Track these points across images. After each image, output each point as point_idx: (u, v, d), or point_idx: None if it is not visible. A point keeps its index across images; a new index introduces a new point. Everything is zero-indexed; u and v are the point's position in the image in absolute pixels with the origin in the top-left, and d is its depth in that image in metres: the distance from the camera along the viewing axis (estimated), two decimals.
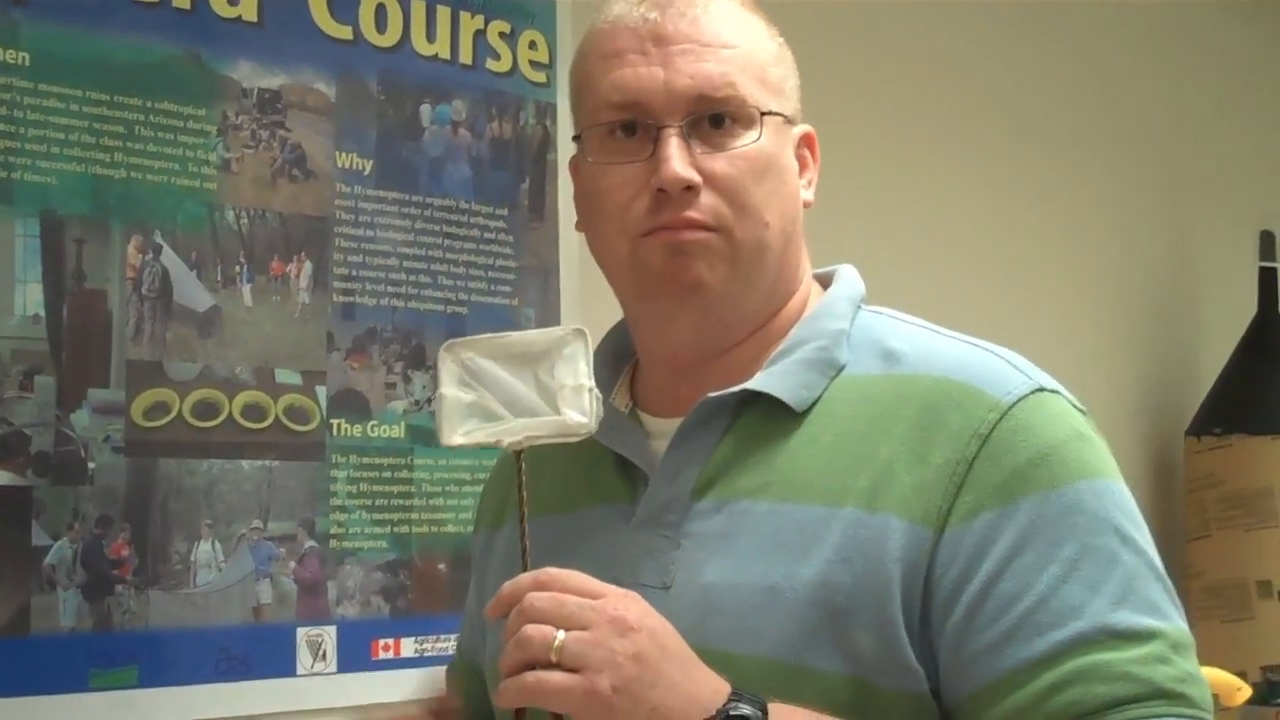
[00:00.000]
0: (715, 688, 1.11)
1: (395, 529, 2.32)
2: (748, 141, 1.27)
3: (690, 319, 1.31)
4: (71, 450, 2.04)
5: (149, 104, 2.13)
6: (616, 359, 1.41)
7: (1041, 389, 1.23)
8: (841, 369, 1.28)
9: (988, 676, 1.14)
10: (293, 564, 2.21)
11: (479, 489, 2.36)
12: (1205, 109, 3.96)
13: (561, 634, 1.09)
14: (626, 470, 1.32)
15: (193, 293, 2.17)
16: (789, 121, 1.32)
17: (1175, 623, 1.17)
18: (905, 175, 3.16)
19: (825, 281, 1.37)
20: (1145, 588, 1.17)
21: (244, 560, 2.17)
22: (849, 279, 1.36)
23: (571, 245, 2.54)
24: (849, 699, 1.16)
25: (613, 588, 1.14)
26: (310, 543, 2.24)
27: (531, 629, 1.10)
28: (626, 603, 1.12)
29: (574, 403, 1.21)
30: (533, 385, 1.23)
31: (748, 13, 1.33)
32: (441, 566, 2.37)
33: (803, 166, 1.35)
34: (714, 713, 1.09)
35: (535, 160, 2.54)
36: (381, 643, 2.30)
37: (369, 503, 2.30)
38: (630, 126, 1.28)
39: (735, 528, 1.23)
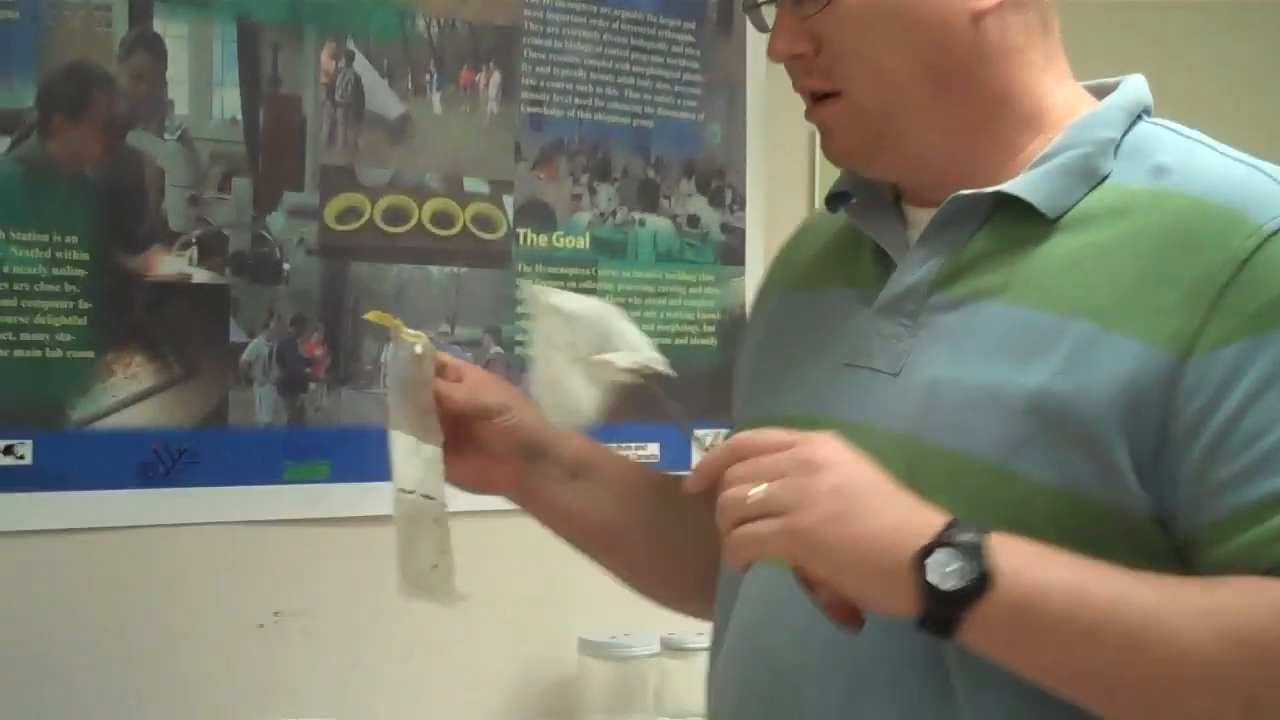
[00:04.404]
0: (928, 519, 1.09)
1: None
2: None
3: (875, 173, 1.32)
4: (267, 251, 2.10)
5: None
6: None
7: None
8: (1104, 179, 1.23)
9: (1231, 506, 1.11)
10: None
11: (661, 302, 2.41)
12: None
13: (760, 486, 1.10)
14: (882, 257, 1.31)
15: (384, 100, 2.20)
16: None
17: None
18: None
19: (1100, 93, 1.31)
20: None
21: None
22: (1131, 88, 1.30)
23: (760, 60, 2.51)
24: (1056, 510, 1.13)
25: (804, 435, 1.13)
26: (496, 349, 2.29)
27: (732, 491, 1.12)
28: (814, 446, 1.12)
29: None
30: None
31: None
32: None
33: None
34: (930, 539, 1.07)
35: None
36: None
37: None
38: None
39: (967, 325, 1.21)
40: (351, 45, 2.17)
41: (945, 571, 1.06)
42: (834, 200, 1.38)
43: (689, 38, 2.48)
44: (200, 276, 2.04)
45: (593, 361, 1.32)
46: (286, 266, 2.11)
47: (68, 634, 1.96)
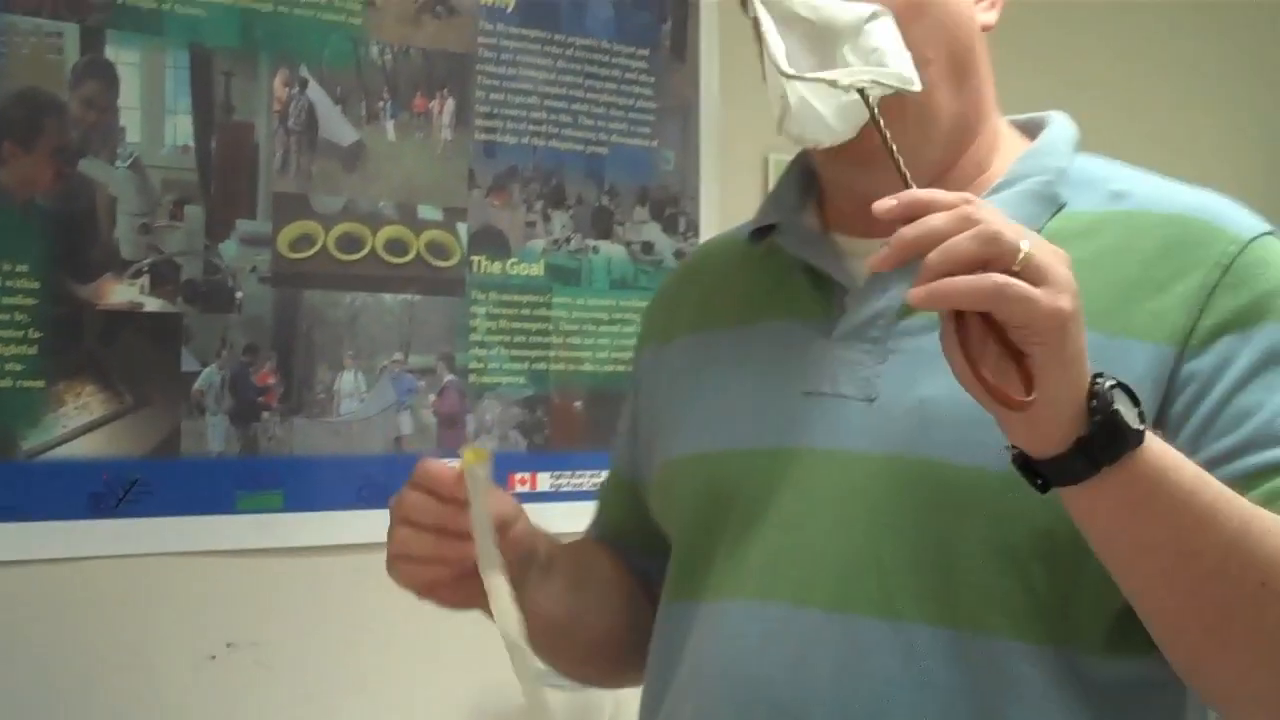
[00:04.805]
0: None
1: (533, 366, 2.36)
2: None
3: (872, 176, 1.28)
4: (220, 279, 2.08)
5: None
6: (805, 183, 1.38)
7: (1273, 233, 1.24)
8: (1062, 206, 1.26)
9: (1221, 479, 1.11)
10: (432, 397, 2.26)
11: (615, 329, 2.41)
12: None
13: (1026, 242, 1.01)
14: (821, 287, 1.30)
15: (338, 127, 2.19)
16: None
17: None
18: None
19: (1027, 128, 1.34)
20: None
21: (385, 392, 2.21)
22: (1064, 123, 1.33)
23: (712, 87, 2.52)
24: None
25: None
26: (450, 376, 2.28)
27: (1001, 229, 1.00)
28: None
29: (899, 62, 1.16)
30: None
31: None
32: (578, 404, 2.40)
33: None
34: (1109, 378, 1.04)
35: (677, 1, 2.52)
36: (518, 476, 2.34)
37: (507, 339, 2.33)
38: None
39: None
40: (304, 72, 2.16)
41: (1123, 407, 1.03)
42: (759, 232, 1.37)
43: (642, 64, 2.49)
44: (152, 305, 2.03)
45: (817, 76, 1.16)
46: (239, 295, 2.10)
47: (17, 666, 1.94)
